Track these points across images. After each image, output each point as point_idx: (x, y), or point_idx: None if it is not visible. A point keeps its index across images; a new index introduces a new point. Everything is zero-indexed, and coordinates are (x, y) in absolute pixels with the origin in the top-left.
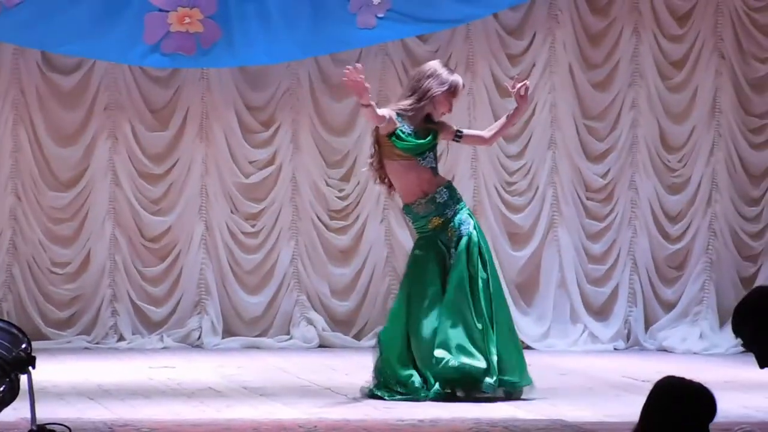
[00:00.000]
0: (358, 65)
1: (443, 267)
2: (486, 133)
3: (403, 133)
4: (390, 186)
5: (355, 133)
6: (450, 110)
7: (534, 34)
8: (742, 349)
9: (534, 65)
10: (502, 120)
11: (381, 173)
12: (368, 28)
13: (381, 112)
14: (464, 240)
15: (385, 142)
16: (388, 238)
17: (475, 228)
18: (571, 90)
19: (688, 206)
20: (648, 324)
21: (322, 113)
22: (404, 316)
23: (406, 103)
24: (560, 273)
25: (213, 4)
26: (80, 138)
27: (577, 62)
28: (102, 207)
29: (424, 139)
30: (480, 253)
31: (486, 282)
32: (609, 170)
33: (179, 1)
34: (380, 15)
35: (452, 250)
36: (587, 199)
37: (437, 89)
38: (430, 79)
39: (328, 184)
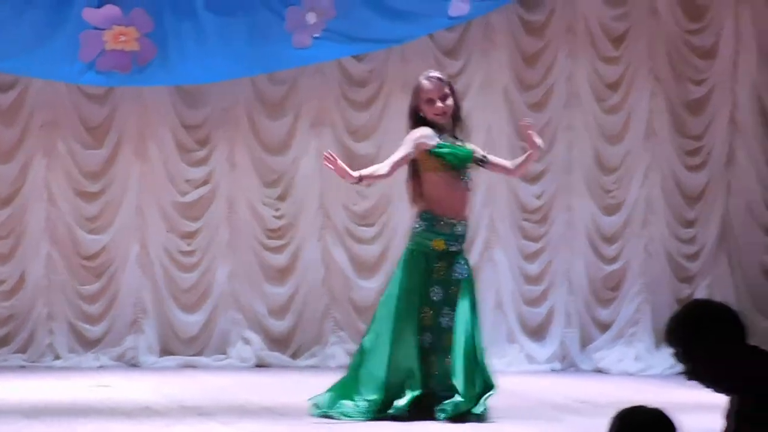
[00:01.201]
0: (328, 153)
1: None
2: (510, 165)
3: (442, 146)
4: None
5: (291, 153)
6: (439, 111)
7: (470, 55)
8: (677, 370)
9: (469, 86)
10: (519, 159)
11: (417, 192)
12: (304, 47)
13: (402, 149)
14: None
15: (425, 157)
16: (325, 257)
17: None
18: (506, 111)
19: (623, 227)
20: (584, 345)
21: (259, 132)
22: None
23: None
24: (496, 293)
25: (149, 22)
26: (16, 155)
27: (513, 83)
28: (38, 225)
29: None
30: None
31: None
32: (545, 191)
33: (115, 19)
34: (316, 35)
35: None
36: (523, 219)
37: (413, 102)
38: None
39: (264, 204)
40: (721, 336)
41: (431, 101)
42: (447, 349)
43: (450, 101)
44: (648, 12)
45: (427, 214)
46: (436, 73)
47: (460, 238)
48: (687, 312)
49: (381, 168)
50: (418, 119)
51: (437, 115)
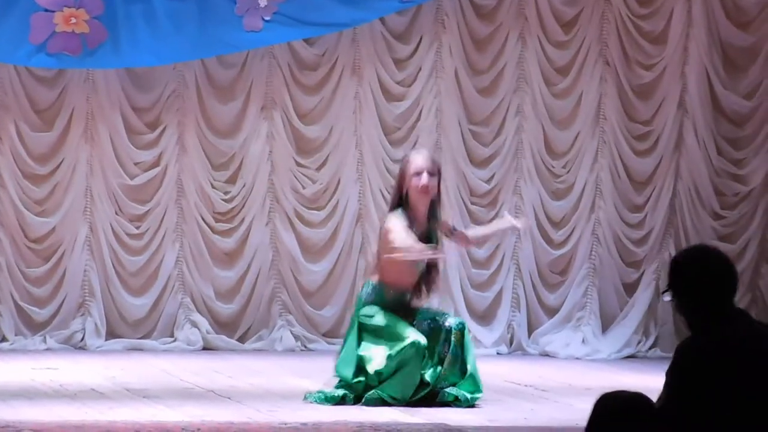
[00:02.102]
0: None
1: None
2: (470, 234)
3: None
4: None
5: (241, 135)
6: (424, 186)
7: (420, 39)
8: (623, 354)
9: (420, 69)
10: (486, 230)
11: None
12: (255, 30)
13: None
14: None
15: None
16: (273, 241)
17: None
18: (456, 95)
19: (571, 212)
20: (531, 329)
21: (208, 115)
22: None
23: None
24: (444, 277)
25: (99, 5)
26: None
27: (463, 67)
28: None
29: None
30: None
31: None
32: (493, 175)
33: (65, 1)
34: (267, 18)
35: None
36: (472, 203)
37: (399, 175)
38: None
39: (213, 186)
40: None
41: (418, 174)
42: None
43: (435, 181)
44: None
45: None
46: (428, 152)
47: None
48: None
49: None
50: (400, 198)
51: (421, 192)
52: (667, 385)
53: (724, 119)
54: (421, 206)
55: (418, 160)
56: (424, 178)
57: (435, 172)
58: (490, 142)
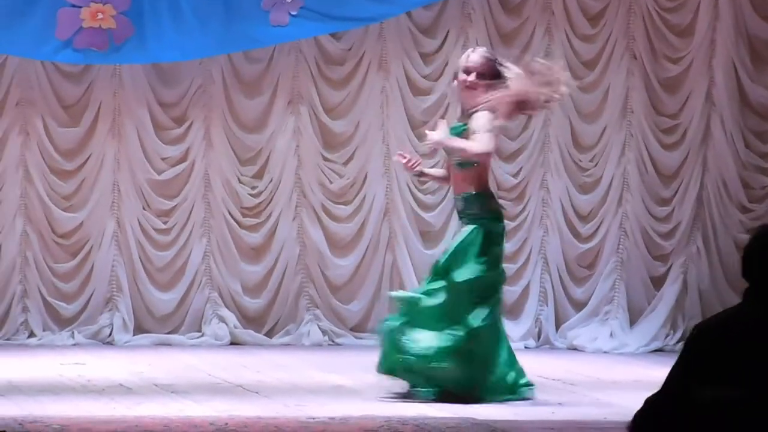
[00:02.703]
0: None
1: None
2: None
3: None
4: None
5: (268, 130)
6: (460, 84)
7: (447, 33)
8: (651, 348)
9: (447, 64)
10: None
11: None
12: (281, 25)
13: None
14: None
15: None
16: (300, 235)
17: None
18: None
19: (599, 206)
20: (558, 323)
21: (235, 110)
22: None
23: None
24: None
25: (126, 0)
26: None
27: None
28: (13, 202)
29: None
30: None
31: None
32: (520, 169)
33: None
34: (293, 12)
35: None
36: (499, 197)
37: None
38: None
39: (240, 181)
40: None
41: (456, 74)
42: None
43: (473, 76)
44: None
45: None
46: (478, 50)
47: (461, 213)
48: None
49: None
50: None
51: (461, 89)
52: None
53: (751, 112)
54: (462, 103)
55: (461, 58)
56: (461, 76)
57: (471, 69)
58: (516, 136)
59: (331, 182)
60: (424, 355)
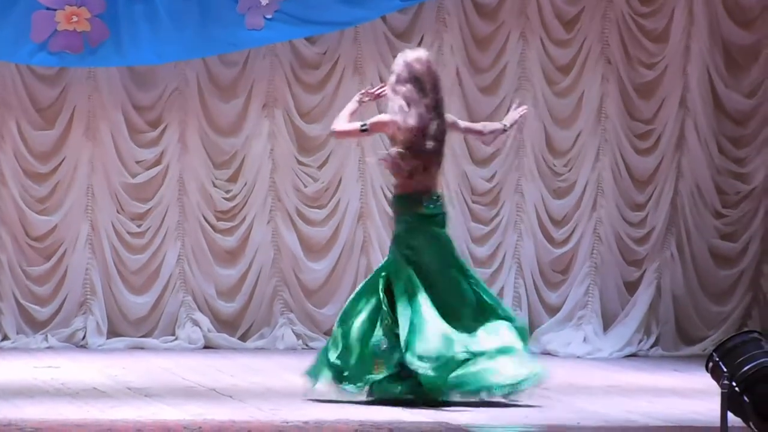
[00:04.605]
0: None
1: None
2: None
3: None
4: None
5: (242, 134)
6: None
7: (422, 37)
8: (625, 353)
9: None
10: (483, 127)
11: None
12: (256, 29)
13: None
14: None
15: None
16: (275, 239)
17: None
18: (458, 93)
19: (573, 211)
20: (532, 328)
21: (210, 114)
22: None
23: None
24: None
25: (101, 3)
26: None
27: (465, 66)
28: None
29: None
30: None
31: None
32: (495, 174)
33: None
34: (268, 16)
35: None
36: (473, 202)
37: None
38: None
39: (215, 185)
40: None
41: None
42: None
43: None
44: None
45: None
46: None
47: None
48: None
49: None
50: None
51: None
52: None
53: (725, 118)
54: None
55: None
56: None
57: None
58: (491, 141)
59: (305, 186)
60: None
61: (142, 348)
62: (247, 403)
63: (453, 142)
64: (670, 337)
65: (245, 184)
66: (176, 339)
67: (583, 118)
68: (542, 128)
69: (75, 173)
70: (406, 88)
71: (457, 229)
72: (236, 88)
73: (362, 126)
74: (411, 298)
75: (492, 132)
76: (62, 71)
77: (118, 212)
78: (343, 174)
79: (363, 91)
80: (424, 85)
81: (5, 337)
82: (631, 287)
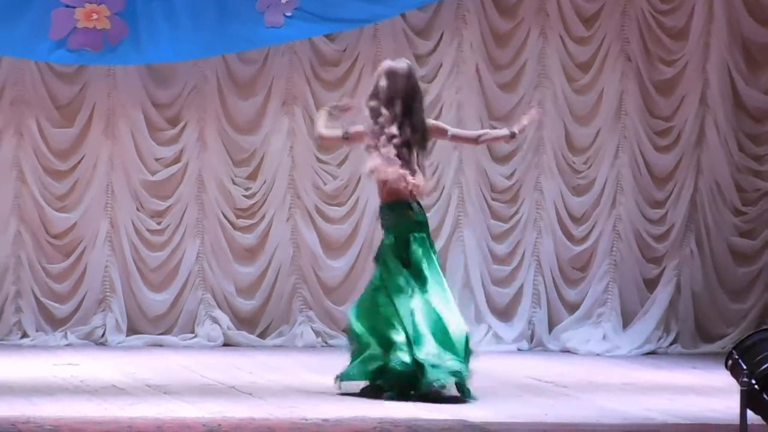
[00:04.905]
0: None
1: None
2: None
3: None
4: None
5: (262, 132)
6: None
7: (441, 35)
8: (644, 350)
9: (441, 65)
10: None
11: None
12: (276, 26)
13: None
14: None
15: None
16: (294, 237)
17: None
18: (477, 91)
19: (592, 208)
20: (552, 325)
21: (229, 111)
22: None
23: None
24: (465, 273)
25: (120, 1)
26: None
27: (484, 63)
28: (7, 203)
29: None
30: None
31: None
32: (514, 171)
33: None
34: (288, 14)
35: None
36: (492, 199)
37: None
38: None
39: (234, 183)
40: None
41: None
42: None
43: None
44: None
45: None
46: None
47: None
48: None
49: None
50: None
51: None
52: None
53: (745, 115)
54: None
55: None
56: None
57: None
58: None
59: (325, 184)
60: None
61: (161, 345)
62: (266, 400)
63: None
64: (689, 335)
65: (264, 182)
66: (195, 336)
67: (602, 115)
68: (562, 125)
69: (94, 171)
70: (373, 103)
71: (477, 226)
72: (255, 85)
73: (344, 134)
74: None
75: (494, 139)
76: (81, 69)
77: (137, 210)
78: (362, 172)
79: (334, 104)
80: (393, 98)
81: (25, 335)
82: (651, 284)
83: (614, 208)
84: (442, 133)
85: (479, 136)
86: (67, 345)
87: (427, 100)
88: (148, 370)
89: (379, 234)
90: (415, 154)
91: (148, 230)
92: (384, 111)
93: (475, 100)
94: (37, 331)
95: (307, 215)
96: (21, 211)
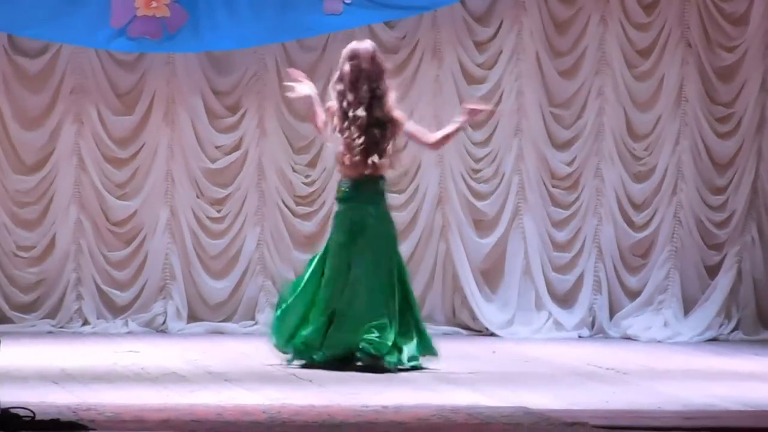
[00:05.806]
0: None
1: None
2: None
3: None
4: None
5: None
6: None
7: (501, 22)
8: (705, 337)
9: (501, 52)
10: (432, 137)
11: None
12: (335, 14)
13: None
14: None
15: None
16: None
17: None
18: (537, 78)
19: (653, 195)
20: (612, 312)
21: (289, 99)
22: None
23: None
24: (525, 260)
25: None
26: (46, 121)
27: (544, 50)
28: (67, 191)
29: None
30: None
31: None
32: (575, 158)
33: None
34: (347, 1)
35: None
36: (553, 186)
37: None
38: None
39: (294, 170)
40: None
41: None
42: None
43: None
44: None
45: None
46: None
47: None
48: None
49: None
50: None
51: None
52: None
53: None
54: None
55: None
56: None
57: None
58: (571, 125)
59: None
60: None
61: (221, 333)
62: (326, 387)
63: (533, 126)
64: (751, 322)
65: (324, 170)
66: (256, 324)
67: (662, 101)
68: (622, 112)
69: (154, 158)
70: (340, 87)
71: (537, 213)
72: (315, 72)
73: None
74: None
75: (447, 138)
76: (141, 57)
77: (197, 197)
78: (422, 159)
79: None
80: (357, 81)
81: (86, 322)
82: (712, 271)
83: (675, 194)
84: (400, 125)
85: (435, 141)
86: (128, 332)
87: (487, 87)
88: (208, 357)
89: (438, 220)
90: (387, 135)
91: (208, 218)
92: (349, 95)
93: (535, 87)
94: (97, 318)
95: None
96: (81, 198)
